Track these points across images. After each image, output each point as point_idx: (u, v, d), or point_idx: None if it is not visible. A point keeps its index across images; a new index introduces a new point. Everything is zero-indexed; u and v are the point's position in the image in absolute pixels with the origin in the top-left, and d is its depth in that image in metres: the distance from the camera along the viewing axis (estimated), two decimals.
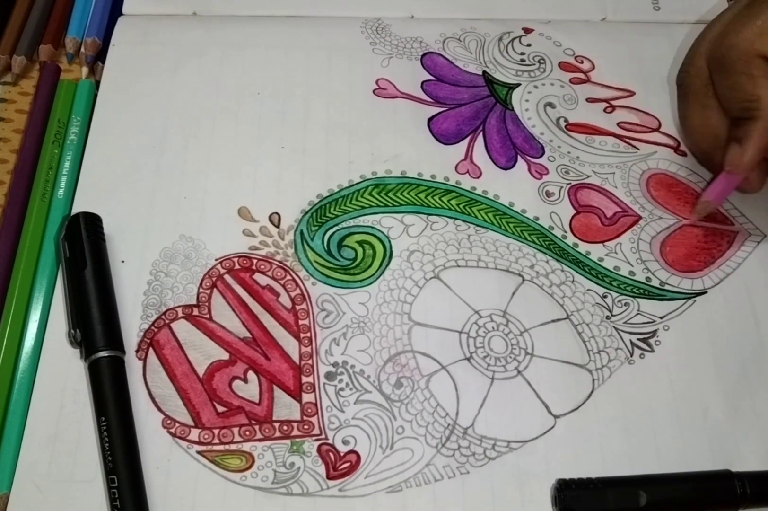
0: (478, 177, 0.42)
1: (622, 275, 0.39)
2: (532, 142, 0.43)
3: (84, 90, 0.43)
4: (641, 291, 0.39)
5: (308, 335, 0.37)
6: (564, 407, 0.36)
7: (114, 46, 0.45)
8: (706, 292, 0.39)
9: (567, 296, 0.39)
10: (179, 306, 0.37)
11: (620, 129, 0.44)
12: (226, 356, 0.36)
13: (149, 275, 0.38)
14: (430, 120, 0.44)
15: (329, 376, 0.36)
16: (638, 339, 0.38)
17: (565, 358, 0.37)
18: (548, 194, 0.42)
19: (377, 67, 0.45)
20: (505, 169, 0.42)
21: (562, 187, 0.42)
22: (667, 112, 0.45)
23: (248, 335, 0.37)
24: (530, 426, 0.35)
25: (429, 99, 0.44)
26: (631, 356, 0.37)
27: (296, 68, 0.45)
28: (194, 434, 0.34)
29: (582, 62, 0.46)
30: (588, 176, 0.42)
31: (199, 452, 0.34)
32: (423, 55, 0.46)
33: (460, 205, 0.41)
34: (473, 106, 0.44)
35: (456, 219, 0.40)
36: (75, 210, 0.39)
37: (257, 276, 0.38)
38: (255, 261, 0.39)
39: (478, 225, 0.40)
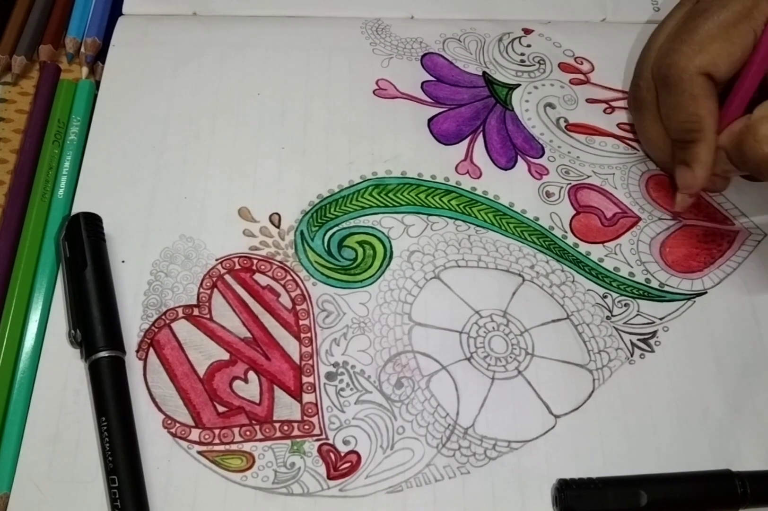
0: (479, 177, 0.42)
1: (622, 276, 0.39)
2: (532, 142, 0.43)
3: (84, 90, 0.43)
4: (641, 292, 0.39)
5: (309, 335, 0.37)
6: (564, 407, 0.36)
7: (114, 46, 0.45)
8: (706, 292, 0.39)
9: (567, 297, 0.39)
10: (179, 306, 0.37)
11: (620, 130, 0.44)
12: (226, 356, 0.36)
13: (149, 275, 0.38)
14: (430, 120, 0.44)
15: (330, 376, 0.36)
16: (638, 339, 0.38)
17: (566, 358, 0.37)
18: (548, 195, 0.42)
19: (377, 68, 0.45)
20: (505, 169, 0.42)
21: (562, 187, 0.42)
22: None
23: (249, 335, 0.37)
24: (531, 426, 0.35)
25: (429, 99, 0.44)
26: (632, 356, 0.37)
27: (296, 68, 0.45)
28: (195, 434, 0.34)
29: (582, 63, 0.46)
30: (588, 177, 0.43)
31: (199, 452, 0.34)
32: (423, 56, 0.46)
33: (461, 206, 0.41)
34: (473, 106, 0.44)
35: (456, 219, 0.40)
36: (75, 210, 0.39)
37: (257, 276, 0.38)
38: (255, 261, 0.39)
39: (478, 225, 0.40)
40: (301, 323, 0.37)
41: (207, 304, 0.37)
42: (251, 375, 0.36)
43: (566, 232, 0.41)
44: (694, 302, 0.39)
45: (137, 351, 0.36)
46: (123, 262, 0.38)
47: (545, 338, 0.37)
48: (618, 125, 0.44)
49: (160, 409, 0.35)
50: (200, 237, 0.39)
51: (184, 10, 0.47)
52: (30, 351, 0.36)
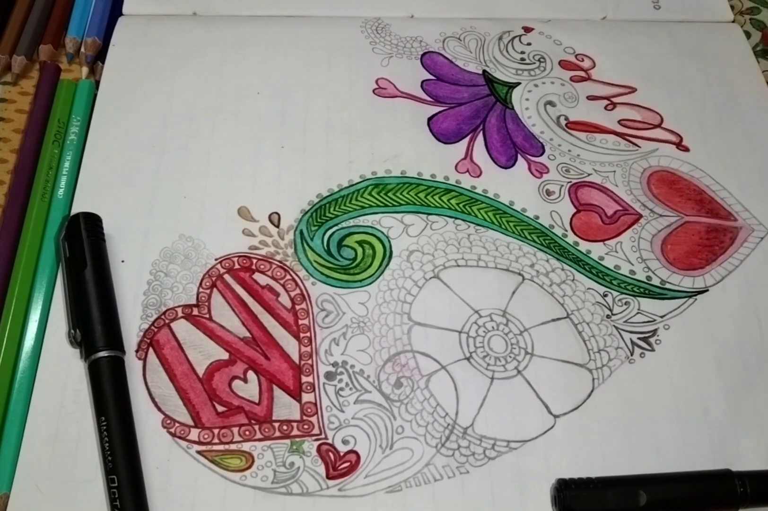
0: (478, 176, 0.42)
1: (622, 274, 0.39)
2: (532, 140, 0.43)
3: (84, 90, 0.43)
4: (642, 290, 0.39)
5: (308, 334, 0.37)
6: (564, 407, 0.36)
7: (114, 47, 0.45)
8: (707, 290, 0.39)
9: (567, 295, 0.38)
10: (179, 306, 0.37)
11: (621, 126, 0.44)
12: (225, 355, 0.36)
13: (149, 274, 0.38)
14: (430, 119, 0.44)
15: (329, 376, 0.36)
16: (638, 338, 0.38)
17: (565, 357, 0.37)
18: (548, 193, 0.42)
19: (377, 67, 0.45)
20: (505, 168, 0.42)
21: (562, 185, 0.42)
22: (669, 107, 0.45)
23: (248, 334, 0.37)
24: (530, 426, 0.35)
25: (429, 98, 0.44)
26: (632, 355, 0.37)
27: (296, 68, 0.45)
28: (194, 434, 0.34)
29: (582, 60, 0.46)
30: (588, 175, 0.42)
31: (198, 452, 0.34)
32: (423, 55, 0.46)
33: (460, 205, 0.41)
34: (473, 105, 0.44)
35: (456, 218, 0.40)
36: (75, 210, 0.39)
37: (257, 276, 0.38)
38: (255, 261, 0.39)
39: (478, 224, 0.40)
40: (300, 322, 0.37)
41: (206, 303, 0.37)
42: (250, 375, 0.36)
43: (566, 230, 0.40)
44: (696, 299, 0.39)
45: (137, 351, 0.36)
46: (123, 262, 0.38)
47: (545, 337, 0.37)
48: (619, 122, 0.44)
49: (159, 409, 0.35)
50: (200, 237, 0.39)
51: (184, 10, 0.47)
52: (30, 351, 0.36)
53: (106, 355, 0.34)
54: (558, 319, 0.38)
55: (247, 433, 0.34)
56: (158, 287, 0.38)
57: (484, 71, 0.46)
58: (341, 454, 0.34)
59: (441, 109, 0.44)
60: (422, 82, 0.45)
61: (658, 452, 0.35)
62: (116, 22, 0.46)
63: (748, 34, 0.48)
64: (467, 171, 0.42)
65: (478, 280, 0.39)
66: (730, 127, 0.44)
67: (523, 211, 0.41)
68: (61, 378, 0.35)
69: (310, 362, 0.36)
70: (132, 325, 0.36)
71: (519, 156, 0.43)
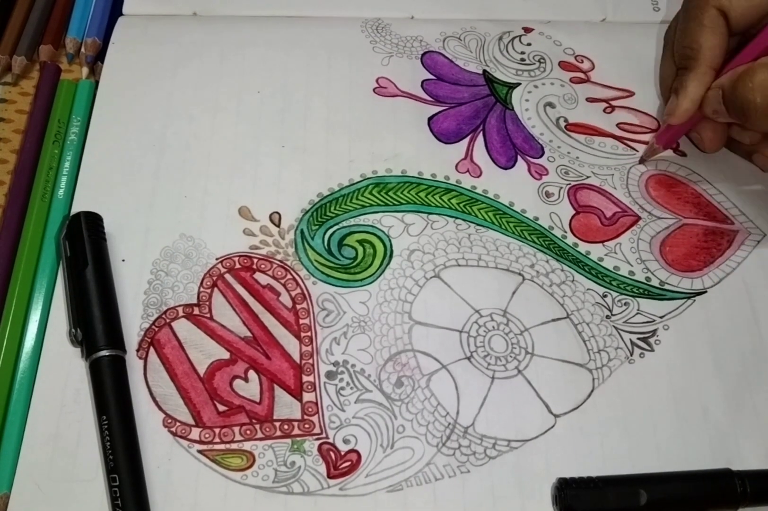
0: (479, 176, 0.42)
1: (621, 275, 0.40)
2: (531, 142, 0.43)
3: (84, 90, 0.43)
4: (641, 291, 0.39)
5: (309, 334, 0.37)
6: (564, 406, 0.36)
7: (114, 46, 0.45)
8: (705, 291, 0.39)
9: (567, 296, 0.39)
10: (180, 305, 0.37)
11: (619, 130, 0.44)
12: (226, 355, 0.36)
13: (150, 274, 0.38)
14: (430, 119, 0.44)
15: (330, 375, 0.36)
16: (638, 338, 0.38)
17: (566, 357, 0.37)
18: (548, 194, 0.42)
19: (377, 66, 0.45)
20: (505, 168, 0.42)
21: (561, 187, 0.42)
22: None
23: (249, 334, 0.37)
24: (530, 425, 0.35)
25: (429, 98, 0.44)
26: (631, 355, 0.37)
27: (296, 67, 0.45)
28: (195, 433, 0.34)
29: (582, 62, 0.46)
30: (587, 177, 0.43)
31: (199, 452, 0.34)
32: (423, 54, 0.46)
33: (461, 205, 0.41)
34: (473, 105, 0.44)
35: (456, 218, 0.40)
36: (75, 209, 0.39)
37: (258, 275, 0.38)
38: (255, 260, 0.39)
39: (478, 224, 0.40)
40: (301, 321, 0.37)
41: (207, 303, 0.37)
42: (251, 374, 0.36)
43: (566, 232, 0.41)
44: (694, 300, 0.39)
45: (138, 350, 0.36)
46: (123, 261, 0.38)
47: (545, 337, 0.37)
48: (618, 125, 0.44)
49: (160, 408, 0.35)
50: (200, 236, 0.39)
51: (184, 10, 0.47)
52: (30, 350, 0.36)
53: (107, 354, 0.34)
54: (558, 319, 0.38)
55: (248, 432, 0.34)
56: (159, 287, 0.38)
57: (485, 71, 0.46)
58: (342, 453, 0.34)
59: (441, 108, 0.44)
60: (422, 81, 0.45)
61: (657, 451, 0.35)
62: (116, 22, 0.46)
63: None
64: (467, 171, 0.42)
65: (478, 279, 0.39)
66: None
67: (522, 212, 0.41)
68: (61, 377, 0.35)
69: (310, 361, 0.36)
70: (133, 324, 0.36)
71: (519, 157, 0.43)
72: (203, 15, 0.47)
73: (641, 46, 0.47)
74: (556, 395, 0.36)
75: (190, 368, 0.36)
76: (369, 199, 0.41)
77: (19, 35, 0.45)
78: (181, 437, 0.34)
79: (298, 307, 0.37)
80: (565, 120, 0.44)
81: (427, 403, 0.35)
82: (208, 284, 0.38)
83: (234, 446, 0.34)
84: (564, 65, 0.46)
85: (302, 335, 0.37)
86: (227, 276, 0.38)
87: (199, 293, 0.38)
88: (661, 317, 0.38)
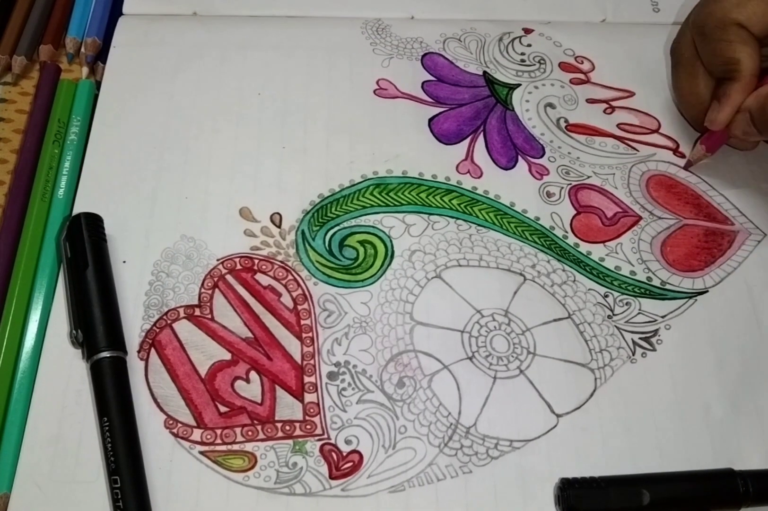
0: (479, 177, 0.42)
1: (623, 275, 0.40)
2: (532, 142, 0.43)
3: (84, 90, 0.43)
4: (642, 291, 0.39)
5: (310, 334, 0.37)
6: (566, 406, 0.36)
7: (115, 47, 0.45)
8: (707, 291, 0.39)
9: (568, 296, 0.39)
10: (181, 306, 0.37)
11: (620, 130, 0.44)
12: (228, 356, 0.36)
13: (151, 275, 0.38)
14: (430, 120, 0.44)
15: (331, 376, 0.36)
16: (640, 338, 0.38)
17: (567, 357, 0.37)
18: (549, 195, 0.42)
19: (378, 68, 0.45)
20: (506, 169, 0.42)
21: (562, 187, 0.42)
22: (667, 113, 0.45)
23: (250, 335, 0.37)
24: (533, 425, 0.35)
25: (429, 99, 0.44)
26: (633, 354, 0.37)
27: (297, 68, 0.45)
28: (197, 435, 0.34)
29: (582, 63, 0.47)
30: (588, 177, 0.43)
31: (201, 453, 0.34)
32: (423, 56, 0.46)
33: (462, 205, 0.41)
34: (474, 106, 0.44)
35: (457, 219, 0.40)
36: (76, 210, 0.39)
37: (259, 276, 0.38)
38: (257, 261, 0.39)
39: (479, 225, 0.40)
40: (302, 322, 0.37)
41: (208, 304, 0.37)
42: (253, 375, 0.36)
43: (567, 232, 0.41)
44: (696, 300, 0.39)
45: (139, 351, 0.36)
46: (124, 262, 0.38)
47: (547, 337, 0.37)
48: (618, 126, 0.44)
49: (161, 409, 0.35)
50: (201, 237, 0.39)
51: (185, 10, 0.47)
52: (30, 351, 0.36)
53: (108, 355, 0.34)
54: (559, 319, 0.38)
55: (249, 433, 0.34)
56: (160, 288, 0.37)
57: (485, 72, 0.46)
58: (344, 454, 0.34)
59: (442, 110, 0.44)
60: (423, 82, 0.45)
61: (659, 450, 0.35)
62: (116, 22, 0.46)
63: None
64: (468, 172, 0.42)
65: (479, 280, 0.39)
66: None
67: (523, 213, 0.41)
68: (62, 378, 0.35)
69: (312, 362, 0.36)
70: (134, 325, 0.36)
71: (519, 157, 0.43)
72: (203, 15, 0.47)
73: (641, 46, 0.47)
74: (558, 394, 0.36)
75: (191, 369, 0.36)
76: (370, 199, 0.41)
77: (19, 35, 0.45)
78: (182, 438, 0.34)
79: (300, 308, 0.37)
80: (566, 121, 0.44)
81: (428, 403, 0.35)
82: (209, 284, 0.38)
83: (236, 447, 0.34)
84: (564, 66, 0.46)
85: (303, 335, 0.37)
86: (228, 277, 0.38)
87: (200, 293, 0.37)
88: (662, 317, 0.38)
